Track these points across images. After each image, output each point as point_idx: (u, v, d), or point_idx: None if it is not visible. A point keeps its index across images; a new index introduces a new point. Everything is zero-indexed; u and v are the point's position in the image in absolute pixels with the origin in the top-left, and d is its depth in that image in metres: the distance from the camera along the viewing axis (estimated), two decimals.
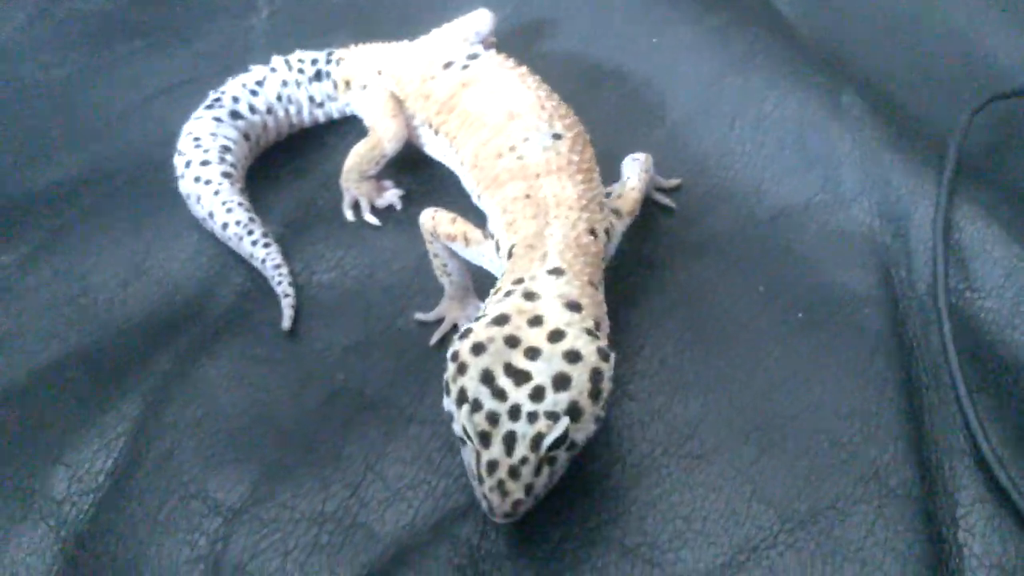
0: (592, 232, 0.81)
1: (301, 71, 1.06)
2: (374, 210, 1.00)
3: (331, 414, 0.86)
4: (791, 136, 1.04)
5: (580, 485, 0.78)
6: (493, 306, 0.74)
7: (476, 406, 0.67)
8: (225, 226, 0.95)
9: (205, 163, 0.98)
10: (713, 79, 1.11)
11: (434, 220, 0.86)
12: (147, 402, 0.87)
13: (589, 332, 0.71)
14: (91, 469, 0.83)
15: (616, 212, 0.87)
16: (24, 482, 0.82)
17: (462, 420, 0.68)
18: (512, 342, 0.70)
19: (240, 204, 0.96)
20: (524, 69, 0.96)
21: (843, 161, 1.01)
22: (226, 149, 1.00)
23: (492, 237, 0.85)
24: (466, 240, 0.85)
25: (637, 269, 0.90)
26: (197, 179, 0.97)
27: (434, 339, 0.89)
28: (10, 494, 0.82)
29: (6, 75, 1.19)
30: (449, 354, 0.72)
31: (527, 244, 0.79)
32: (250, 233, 0.94)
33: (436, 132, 0.97)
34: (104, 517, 0.80)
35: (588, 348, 0.70)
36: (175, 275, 0.97)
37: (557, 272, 0.76)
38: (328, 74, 1.06)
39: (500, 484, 0.66)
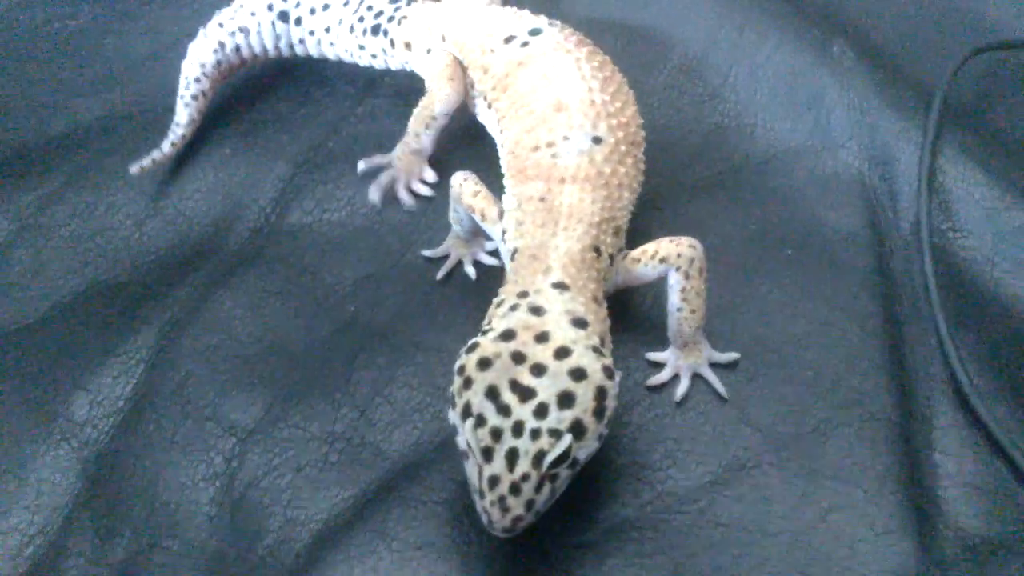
0: (596, 250, 0.78)
1: (361, 18, 1.04)
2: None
3: (341, 342, 0.88)
4: (783, 84, 1.06)
5: None
6: (499, 320, 0.73)
7: (480, 421, 0.67)
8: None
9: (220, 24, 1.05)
10: (710, 30, 1.12)
11: (461, 187, 0.86)
12: (164, 332, 0.90)
13: (595, 350, 0.70)
14: (111, 394, 0.86)
15: (623, 254, 0.83)
16: (48, 406, 0.85)
17: (466, 434, 0.67)
18: (518, 358, 0.69)
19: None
20: (585, 51, 0.90)
21: (833, 108, 1.03)
22: (246, 32, 1.05)
23: (502, 220, 0.84)
24: (483, 216, 0.85)
25: (641, 207, 0.92)
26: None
27: (440, 274, 0.90)
28: (35, 417, 0.84)
29: (22, 25, 1.20)
30: (456, 367, 0.71)
31: (531, 254, 0.78)
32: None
33: (489, 106, 0.94)
34: (123, 438, 0.83)
35: (594, 366, 0.69)
36: (189, 214, 0.99)
37: (561, 287, 0.74)
38: (387, 32, 1.03)
39: (501, 499, 0.65)
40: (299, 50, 1.08)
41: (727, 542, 0.76)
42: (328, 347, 0.88)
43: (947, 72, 1.02)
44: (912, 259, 0.92)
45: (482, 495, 0.66)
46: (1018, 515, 0.77)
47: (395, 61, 1.04)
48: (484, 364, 0.69)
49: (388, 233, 0.97)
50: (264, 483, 0.80)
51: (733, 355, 0.85)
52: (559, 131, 0.83)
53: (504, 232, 0.82)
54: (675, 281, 0.80)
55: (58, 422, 0.84)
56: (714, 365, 0.85)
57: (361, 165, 0.99)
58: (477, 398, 0.67)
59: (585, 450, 0.67)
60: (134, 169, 0.98)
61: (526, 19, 0.95)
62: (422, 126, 0.97)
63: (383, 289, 0.92)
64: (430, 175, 0.99)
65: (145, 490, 0.81)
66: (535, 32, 0.92)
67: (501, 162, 0.90)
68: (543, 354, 0.69)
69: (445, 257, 0.92)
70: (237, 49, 1.06)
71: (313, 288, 0.93)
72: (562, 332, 0.70)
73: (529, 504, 0.65)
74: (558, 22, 0.95)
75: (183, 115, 1.02)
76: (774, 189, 0.99)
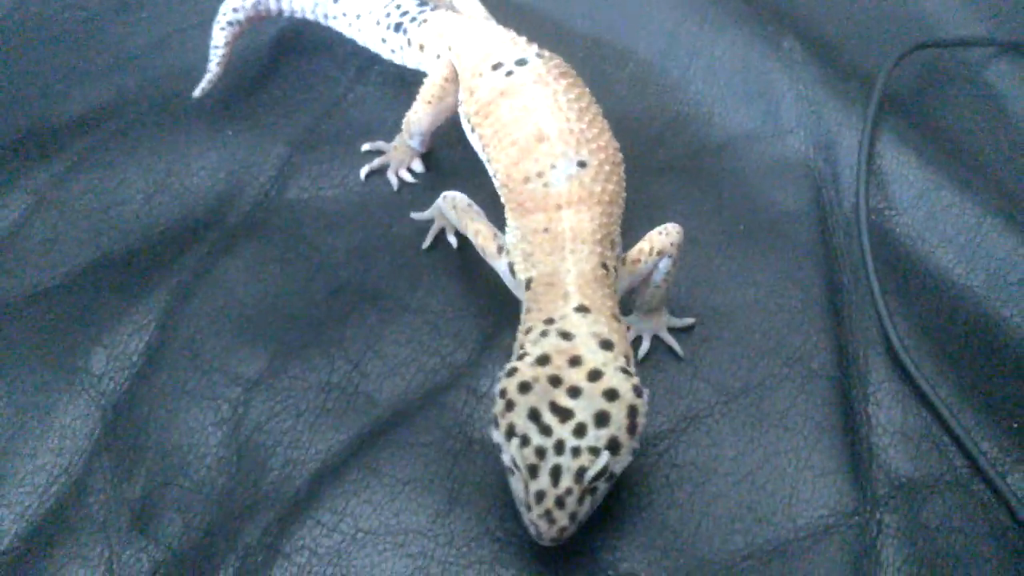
0: (604, 267, 0.79)
1: (388, 14, 1.04)
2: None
3: (335, 304, 0.91)
4: (738, 76, 1.09)
5: None
6: (532, 346, 0.73)
7: (525, 441, 0.68)
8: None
9: None
10: (672, 27, 1.15)
11: (462, 216, 0.87)
12: (174, 295, 0.92)
13: (624, 371, 0.71)
14: (126, 349, 0.88)
15: (622, 260, 0.84)
16: (68, 361, 0.87)
17: (512, 452, 0.68)
18: (555, 381, 0.70)
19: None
20: (564, 84, 0.89)
21: (782, 97, 1.07)
22: None
23: (506, 254, 0.83)
24: (483, 251, 0.85)
25: None
26: None
27: (426, 242, 0.94)
28: (56, 371, 0.87)
29: (35, 15, 1.21)
30: (496, 390, 0.72)
31: (546, 282, 0.77)
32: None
33: (472, 130, 0.93)
34: (138, 389, 0.86)
35: (624, 386, 0.70)
36: (195, 189, 1.01)
37: (583, 310, 0.75)
38: (406, 31, 1.03)
39: (547, 513, 0.66)
40: (326, 22, 1.10)
41: (683, 480, 0.79)
42: (323, 308, 0.91)
43: (886, 66, 1.05)
44: (851, 234, 0.95)
45: (529, 508, 0.67)
46: (941, 458, 0.81)
47: (411, 60, 1.05)
48: (524, 388, 0.70)
49: (377, 208, 1.00)
50: (267, 427, 0.83)
51: (689, 320, 0.89)
52: (545, 160, 0.83)
53: (512, 265, 0.82)
54: (664, 265, 0.84)
55: (78, 375, 0.86)
56: (672, 329, 0.89)
57: (365, 146, 1.03)
58: (520, 420, 0.68)
59: (620, 464, 0.69)
60: (196, 93, 1.06)
61: (517, 47, 0.93)
62: (407, 135, 1.01)
63: (373, 257, 0.95)
64: (418, 166, 1.02)
65: (159, 435, 0.83)
66: (521, 63, 0.90)
67: (499, 192, 0.89)
68: (577, 377, 0.70)
69: (429, 227, 0.95)
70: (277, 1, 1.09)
71: (309, 256, 0.95)
72: (592, 355, 0.71)
73: (573, 516, 0.67)
74: (546, 53, 0.93)
75: (219, 38, 1.06)
76: (729, 171, 1.03)
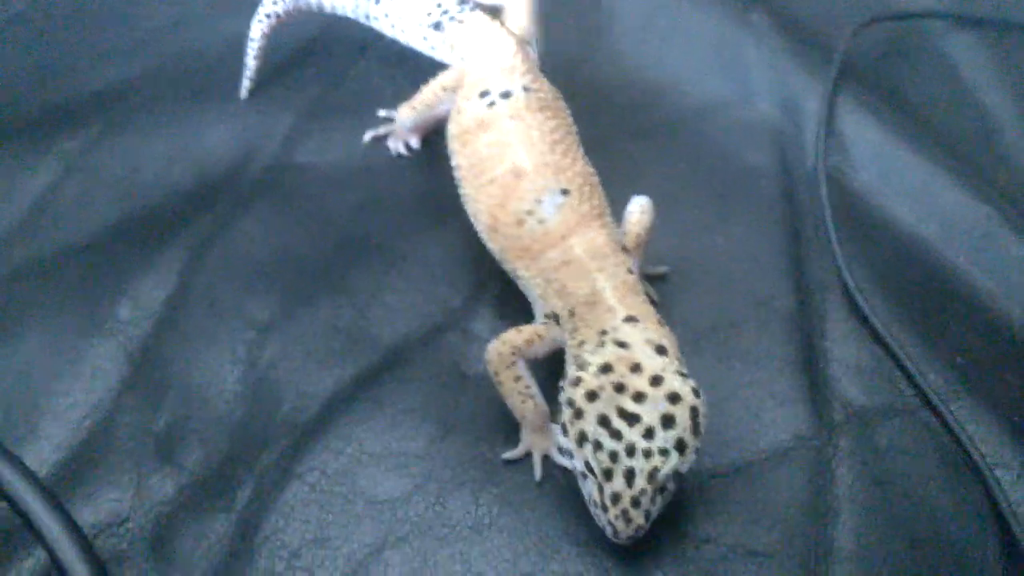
0: (630, 271, 0.79)
1: (429, 13, 1.03)
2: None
3: (341, 255, 0.95)
4: (711, 47, 1.13)
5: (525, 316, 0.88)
6: (592, 356, 0.73)
7: (597, 446, 0.68)
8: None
9: None
10: (651, 3, 1.19)
11: (505, 342, 0.79)
12: (194, 249, 0.96)
13: (682, 374, 0.71)
14: (150, 298, 0.91)
15: (623, 248, 0.83)
16: (97, 310, 0.91)
17: (586, 457, 0.68)
18: (620, 388, 0.70)
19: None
20: (543, 116, 0.87)
21: (751, 67, 1.11)
22: None
23: (547, 316, 0.81)
24: (539, 338, 0.79)
25: (590, 149, 0.95)
26: None
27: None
28: (88, 318, 0.90)
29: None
30: (564, 400, 0.71)
31: (586, 303, 0.77)
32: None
33: (452, 154, 0.91)
34: (161, 333, 0.89)
35: (684, 389, 0.70)
36: (211, 155, 1.05)
37: (631, 320, 0.75)
38: (443, 28, 1.02)
39: (624, 513, 0.67)
40: (367, 22, 1.10)
41: None
42: (331, 259, 0.95)
43: (846, 37, 1.10)
44: (813, 189, 0.99)
45: (605, 509, 0.67)
46: (891, 389, 0.85)
47: (448, 58, 1.03)
48: (591, 396, 0.70)
49: (378, 170, 1.03)
50: (280, 366, 0.87)
51: (664, 267, 0.92)
52: (530, 196, 0.82)
53: (551, 311, 0.80)
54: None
55: (107, 322, 0.89)
56: (648, 276, 0.91)
57: (381, 112, 1.06)
58: (591, 426, 0.68)
59: (686, 463, 0.69)
60: (243, 94, 1.11)
61: (511, 76, 0.91)
62: (412, 116, 1.01)
63: (374, 213, 0.98)
64: (415, 143, 1.04)
65: (181, 374, 0.86)
66: (505, 95, 0.89)
67: (486, 237, 0.87)
68: (640, 383, 0.70)
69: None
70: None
71: (317, 213, 0.99)
72: (651, 361, 0.71)
73: (647, 514, 0.67)
74: (536, 84, 0.91)
75: (256, 30, 1.10)
76: (703, 133, 1.06)
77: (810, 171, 1.01)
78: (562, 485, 0.79)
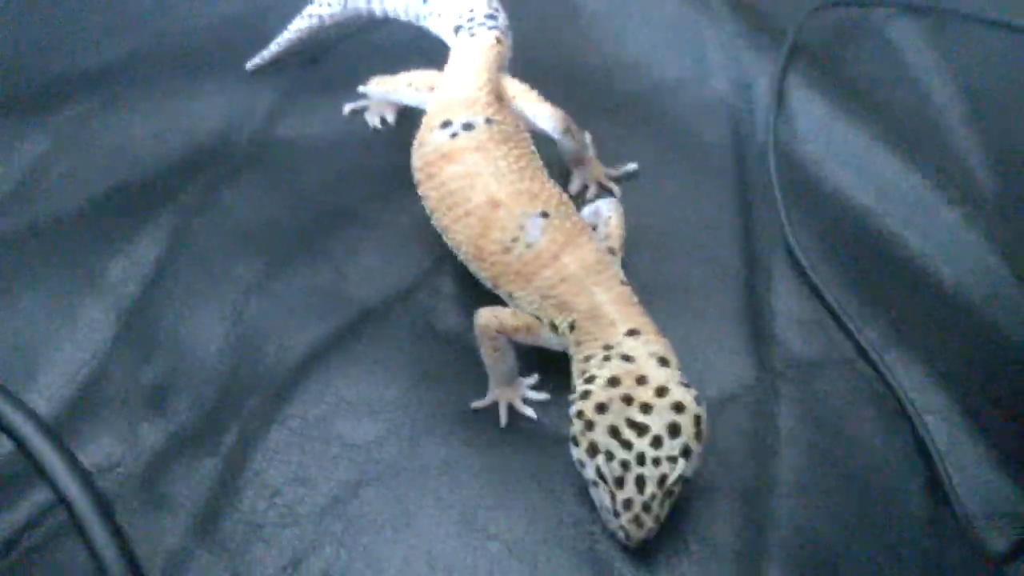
0: (623, 282, 0.80)
1: (460, 15, 1.03)
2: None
3: (321, 221, 0.98)
4: (671, 29, 1.16)
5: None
6: (599, 370, 0.74)
7: (609, 456, 0.69)
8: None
9: None
10: None
11: (498, 318, 0.81)
12: (181, 216, 0.98)
13: (684, 385, 0.73)
14: (140, 260, 0.94)
15: (610, 251, 0.85)
16: (91, 270, 0.93)
17: (598, 466, 0.69)
18: (627, 400, 0.71)
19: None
20: (506, 148, 0.87)
21: (708, 47, 1.14)
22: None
23: (542, 321, 0.82)
24: (528, 330, 0.81)
25: None
26: None
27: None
28: (81, 279, 0.92)
29: None
30: (573, 412, 0.72)
31: (588, 318, 0.78)
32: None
33: (418, 184, 0.90)
34: (151, 292, 0.92)
35: (687, 398, 0.71)
36: (201, 128, 1.07)
37: (633, 333, 0.76)
38: (459, 33, 1.03)
39: (636, 518, 0.68)
40: (419, 23, 1.10)
41: None
42: (310, 225, 0.97)
43: (798, 19, 1.13)
44: (763, 160, 1.03)
45: (617, 515, 0.69)
46: (830, 341, 0.89)
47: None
48: (601, 409, 0.71)
49: (355, 143, 1.06)
50: (262, 322, 0.90)
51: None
52: (511, 224, 0.82)
53: (549, 322, 0.81)
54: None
55: (99, 283, 0.92)
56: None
57: (360, 88, 1.06)
58: (602, 437, 0.70)
59: (692, 468, 0.70)
60: (249, 66, 1.14)
61: (473, 108, 0.91)
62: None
63: (351, 183, 1.01)
64: (391, 117, 1.07)
65: (169, 330, 0.89)
66: (467, 127, 0.88)
67: (473, 266, 0.86)
68: (646, 395, 0.71)
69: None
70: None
71: (297, 182, 1.02)
72: (655, 373, 0.72)
73: (657, 518, 0.69)
74: (499, 116, 0.91)
75: (298, 24, 1.13)
76: (663, 110, 1.10)
77: (760, 144, 1.04)
78: (525, 431, 0.83)
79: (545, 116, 0.95)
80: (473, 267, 0.86)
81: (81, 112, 1.09)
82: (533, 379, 0.86)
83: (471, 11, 1.02)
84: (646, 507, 0.68)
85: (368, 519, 0.78)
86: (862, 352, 0.88)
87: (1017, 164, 0.97)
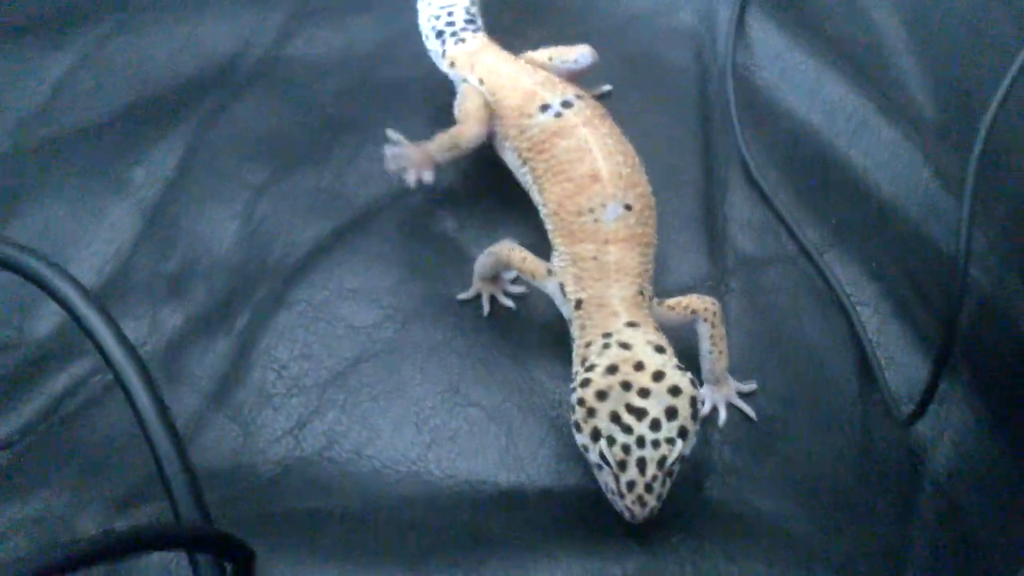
0: (641, 293, 0.80)
1: (439, 17, 1.01)
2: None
3: (324, 131, 1.02)
4: None
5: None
6: (598, 358, 0.74)
7: (611, 441, 0.69)
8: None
9: None
10: None
11: (510, 255, 0.85)
12: (197, 127, 1.02)
13: (680, 368, 0.73)
14: (160, 165, 0.99)
15: (659, 303, 0.84)
16: (114, 177, 0.98)
17: (601, 450, 0.69)
18: (626, 386, 0.71)
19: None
20: (607, 126, 0.89)
21: None
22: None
23: (554, 275, 0.83)
24: (533, 275, 0.84)
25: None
26: None
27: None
28: (106, 183, 0.97)
29: None
30: (575, 400, 0.72)
31: (597, 303, 0.79)
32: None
33: (524, 163, 0.90)
34: (170, 194, 0.97)
35: (683, 381, 0.72)
36: (211, 48, 1.10)
37: (633, 325, 0.76)
38: (444, 41, 0.99)
39: (640, 498, 0.68)
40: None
41: None
42: (314, 134, 1.01)
43: None
44: (722, 83, 1.06)
45: (622, 496, 0.68)
46: (776, 242, 0.94)
47: (442, 66, 1.00)
48: (601, 395, 0.71)
49: (357, 62, 1.09)
50: (271, 220, 0.94)
51: (753, 385, 0.85)
52: (597, 199, 0.82)
53: (563, 286, 0.82)
54: (704, 330, 0.83)
55: (123, 186, 0.96)
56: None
57: (390, 134, 0.98)
58: (603, 423, 0.69)
59: (689, 447, 0.70)
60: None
61: (557, 89, 0.91)
62: (445, 149, 0.93)
63: (354, 97, 1.04)
64: (429, 177, 0.93)
65: (188, 227, 0.94)
66: (566, 104, 0.89)
67: (546, 219, 0.88)
68: (644, 380, 0.71)
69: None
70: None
71: (303, 97, 1.05)
72: (651, 359, 0.73)
73: (659, 496, 0.69)
74: (583, 95, 0.92)
75: None
76: (635, 39, 1.12)
77: (720, 68, 1.08)
78: (504, 319, 0.89)
79: (583, 52, 0.98)
80: (545, 212, 0.88)
81: (100, 34, 1.11)
82: (512, 274, 0.91)
83: (449, 13, 1.00)
84: (648, 487, 0.68)
85: (365, 390, 0.84)
86: (804, 252, 0.93)
87: (955, 89, 1.00)
